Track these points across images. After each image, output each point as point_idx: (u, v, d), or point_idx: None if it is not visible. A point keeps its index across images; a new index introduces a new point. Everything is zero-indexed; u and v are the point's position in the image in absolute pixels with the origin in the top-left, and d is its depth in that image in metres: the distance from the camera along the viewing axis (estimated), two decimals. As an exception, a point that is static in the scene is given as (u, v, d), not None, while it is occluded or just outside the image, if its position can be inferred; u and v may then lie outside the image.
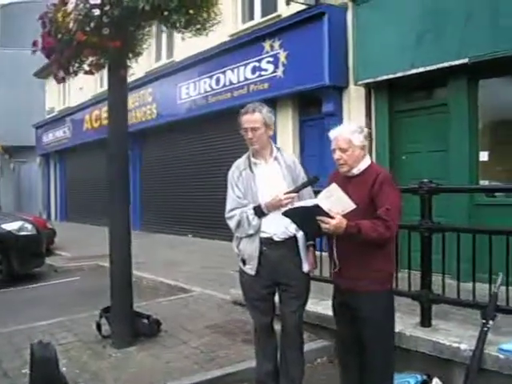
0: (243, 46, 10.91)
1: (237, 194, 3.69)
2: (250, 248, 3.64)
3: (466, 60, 6.90)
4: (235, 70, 11.16)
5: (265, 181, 3.67)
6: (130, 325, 5.04)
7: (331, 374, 4.51)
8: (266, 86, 10.37)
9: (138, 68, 6.17)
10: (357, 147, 3.44)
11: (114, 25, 4.14)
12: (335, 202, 3.21)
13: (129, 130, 5.26)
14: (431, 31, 7.39)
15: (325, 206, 3.16)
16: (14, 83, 24.98)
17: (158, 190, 14.91)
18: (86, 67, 5.03)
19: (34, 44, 4.90)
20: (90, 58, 4.91)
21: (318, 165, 8.56)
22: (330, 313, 4.86)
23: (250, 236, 3.63)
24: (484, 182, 7.27)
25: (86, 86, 17.85)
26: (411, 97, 8.43)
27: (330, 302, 5.00)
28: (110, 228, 5.12)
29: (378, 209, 3.26)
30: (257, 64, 10.56)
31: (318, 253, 3.90)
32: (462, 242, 4.37)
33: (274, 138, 6.80)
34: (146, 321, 5.23)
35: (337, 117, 9.36)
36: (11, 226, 8.97)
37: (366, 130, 3.58)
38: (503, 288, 4.03)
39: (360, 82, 8.58)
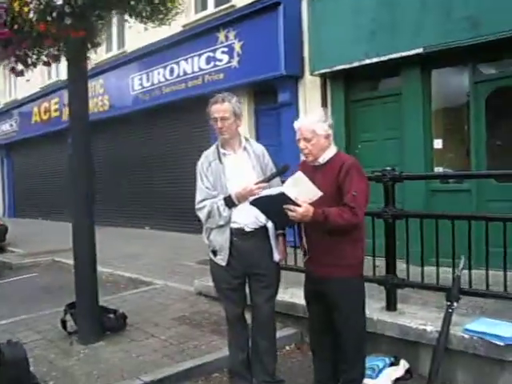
0: (197, 36, 10.83)
1: (206, 184, 3.68)
2: (221, 239, 3.65)
3: (420, 50, 7.07)
4: (189, 61, 11.08)
5: (234, 171, 3.67)
6: (96, 320, 4.98)
7: (300, 361, 4.62)
8: (221, 76, 10.35)
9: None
10: (321, 136, 3.48)
11: (76, 15, 4.04)
12: (302, 191, 3.26)
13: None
14: (385, 22, 7.52)
15: (291, 194, 3.20)
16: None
17: (112, 182, 14.68)
18: (44, 58, 4.90)
19: (-13, 35, 4.73)
20: (49, 49, 4.79)
21: (274, 154, 8.48)
22: (296, 301, 5.00)
23: (221, 227, 3.63)
24: (438, 169, 7.50)
25: (34, 77, 17.31)
26: (366, 86, 8.58)
27: (295, 290, 5.15)
28: (73, 223, 5.02)
29: (344, 196, 3.32)
30: (211, 54, 10.51)
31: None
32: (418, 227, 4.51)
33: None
34: (112, 315, 5.17)
35: (293, 106, 9.46)
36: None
37: (330, 119, 3.60)
38: (465, 271, 4.17)
39: (316, 72, 8.67)
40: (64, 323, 5.11)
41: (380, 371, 4.02)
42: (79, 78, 4.89)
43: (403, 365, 4.15)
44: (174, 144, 12.43)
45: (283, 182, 3.70)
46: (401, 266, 4.68)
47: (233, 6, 10.46)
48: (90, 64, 5.10)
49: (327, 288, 3.48)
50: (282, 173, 3.70)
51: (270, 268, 3.72)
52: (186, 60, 11.16)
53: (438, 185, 7.37)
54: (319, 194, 3.26)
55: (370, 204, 3.55)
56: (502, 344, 3.62)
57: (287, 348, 4.83)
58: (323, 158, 3.51)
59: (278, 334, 4.72)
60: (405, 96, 7.63)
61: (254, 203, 3.38)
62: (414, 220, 4.61)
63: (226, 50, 10.16)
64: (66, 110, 15.60)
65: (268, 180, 3.58)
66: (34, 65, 5.00)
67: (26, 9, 4.09)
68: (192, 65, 11.01)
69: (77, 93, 4.98)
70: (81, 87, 4.98)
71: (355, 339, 3.54)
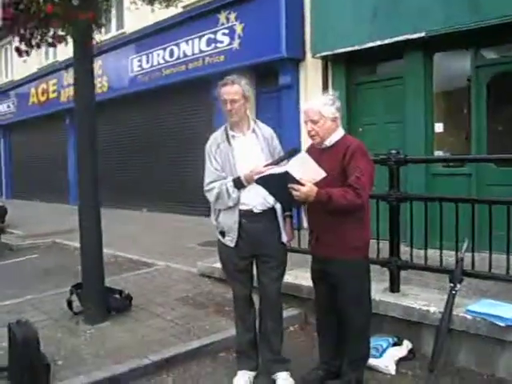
0: (197, 17, 10.79)
1: (215, 166, 3.70)
2: (230, 220, 3.68)
3: (422, 34, 7.08)
4: (190, 42, 11.05)
5: (243, 153, 3.69)
6: (102, 300, 5.03)
7: (304, 341, 4.69)
8: (221, 58, 10.33)
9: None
10: (328, 119, 3.50)
11: (84, -4, 4.03)
12: (306, 171, 3.29)
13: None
14: (388, 5, 7.53)
15: (295, 174, 3.24)
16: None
17: (110, 164, 14.66)
18: (49, 39, 4.88)
19: (-7, 15, 4.71)
20: (53, 30, 4.77)
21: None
22: (300, 282, 5.07)
23: (230, 208, 3.66)
24: (438, 153, 7.55)
25: (31, 58, 17.19)
26: (368, 69, 8.61)
27: (299, 272, 5.22)
28: (79, 204, 5.06)
29: (348, 178, 3.36)
30: (212, 36, 10.48)
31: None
32: (421, 210, 4.57)
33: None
34: (117, 296, 5.24)
35: (293, 89, 9.48)
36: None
37: (337, 102, 3.62)
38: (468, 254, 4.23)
39: (317, 55, 8.67)
40: (70, 303, 5.15)
41: (384, 351, 4.09)
42: (85, 58, 4.90)
43: (406, 345, 4.23)
44: (174, 126, 12.42)
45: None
46: (403, 249, 4.75)
47: (234, -13, 10.41)
48: (96, 45, 5.08)
49: (332, 269, 3.54)
50: (291, 156, 3.72)
51: (277, 249, 3.76)
52: (186, 42, 11.12)
53: (438, 168, 7.42)
54: (323, 174, 3.30)
55: (374, 187, 3.60)
56: (503, 325, 3.70)
57: (291, 328, 4.90)
58: (330, 141, 3.54)
59: (283, 314, 4.82)
60: (407, 80, 7.65)
61: (258, 181, 3.41)
62: (415, 203, 4.66)
63: (226, 31, 10.13)
64: (64, 92, 15.56)
65: (277, 162, 3.60)
66: (38, 45, 4.98)
67: (33, -11, 4.07)
68: (192, 46, 10.98)
69: (82, 74, 4.98)
70: (86, 69, 4.98)
71: (360, 320, 3.60)
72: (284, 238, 3.80)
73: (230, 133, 3.75)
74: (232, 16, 9.97)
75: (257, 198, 3.63)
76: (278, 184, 3.35)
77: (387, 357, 4.07)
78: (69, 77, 14.90)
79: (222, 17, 10.20)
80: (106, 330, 4.80)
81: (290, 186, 3.26)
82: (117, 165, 14.35)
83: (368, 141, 7.90)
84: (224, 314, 5.05)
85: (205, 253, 7.45)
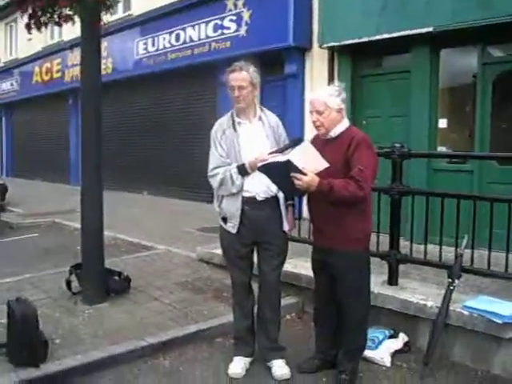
0: (205, 2, 10.76)
1: (220, 152, 3.71)
2: (233, 207, 3.70)
3: (430, 29, 7.05)
4: (196, 27, 11.01)
5: (248, 140, 3.70)
6: (101, 281, 5.06)
7: (301, 330, 4.73)
8: (227, 44, 10.30)
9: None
10: (333, 110, 3.50)
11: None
12: (308, 160, 3.31)
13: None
14: (397, -2, 7.48)
15: (298, 163, 3.26)
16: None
17: (112, 146, 14.65)
18: (56, 18, 4.87)
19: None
20: (60, 10, 4.77)
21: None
22: (299, 271, 5.09)
23: (233, 195, 3.68)
24: (441, 148, 7.55)
25: (36, 37, 17.13)
26: (374, 62, 8.58)
27: (298, 261, 5.24)
28: (82, 185, 5.07)
29: (351, 169, 3.37)
30: (219, 22, 10.44)
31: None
32: (422, 205, 4.59)
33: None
34: (117, 277, 5.26)
35: (299, 78, 9.46)
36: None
37: (343, 93, 3.62)
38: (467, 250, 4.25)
39: (324, 45, 8.63)
40: (69, 283, 5.18)
41: (380, 343, 4.12)
42: (92, 38, 4.90)
43: (402, 338, 4.26)
44: (178, 111, 12.39)
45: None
46: (402, 243, 4.77)
47: (243, -27, 10.35)
48: (103, 26, 5.06)
49: (332, 259, 3.56)
50: (296, 144, 3.71)
51: (279, 237, 3.78)
52: (192, 26, 11.08)
53: (440, 164, 7.43)
54: (326, 164, 3.31)
55: (376, 180, 3.61)
56: (500, 322, 3.72)
57: (288, 317, 4.93)
58: (334, 132, 3.55)
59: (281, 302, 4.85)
60: (412, 74, 7.63)
61: (261, 169, 3.43)
62: (416, 198, 4.68)
63: (234, 18, 10.09)
64: (68, 72, 15.51)
65: (282, 151, 3.61)
66: (46, 24, 4.97)
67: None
68: (199, 32, 10.94)
69: (88, 55, 4.98)
70: (93, 49, 4.98)
71: (359, 311, 3.63)
72: (285, 227, 3.81)
73: (236, 119, 3.75)
74: (240, 2, 9.93)
75: (260, 186, 3.64)
76: (280, 172, 3.36)
77: (383, 349, 4.10)
78: (73, 57, 14.87)
79: (229, 3, 10.15)
80: (104, 310, 4.83)
81: (292, 174, 3.27)
82: (119, 147, 14.31)
83: (372, 133, 7.84)
84: (222, 299, 5.08)
85: (205, 238, 7.47)
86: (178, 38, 11.53)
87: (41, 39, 17.02)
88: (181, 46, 11.45)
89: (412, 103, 7.64)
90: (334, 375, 3.73)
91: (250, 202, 3.67)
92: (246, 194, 3.67)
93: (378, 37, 7.70)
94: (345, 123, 3.59)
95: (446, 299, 3.96)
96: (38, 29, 4.80)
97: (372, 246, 4.54)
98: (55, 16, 4.87)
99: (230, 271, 3.98)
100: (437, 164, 7.42)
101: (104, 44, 13.68)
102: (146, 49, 12.55)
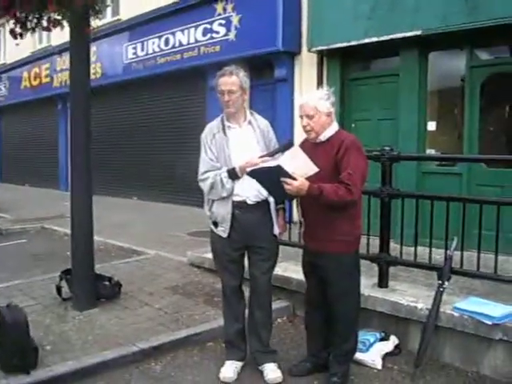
0: (194, 7, 10.74)
1: (210, 156, 3.71)
2: (223, 211, 3.70)
3: (419, 32, 7.09)
4: (185, 32, 10.99)
5: (238, 145, 3.70)
6: (91, 287, 5.03)
7: (292, 333, 4.73)
8: (217, 48, 10.29)
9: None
10: (323, 114, 3.53)
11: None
12: (298, 165, 3.33)
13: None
14: (386, 2, 7.52)
15: (288, 168, 3.27)
16: None
17: (101, 151, 14.59)
18: (44, 23, 4.85)
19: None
20: (49, 14, 4.75)
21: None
22: (289, 274, 5.10)
23: (223, 199, 3.68)
24: (430, 151, 7.58)
25: (24, 42, 17.04)
26: (363, 66, 8.63)
27: (289, 265, 5.25)
28: (71, 190, 5.05)
29: (341, 173, 3.38)
30: (208, 26, 10.43)
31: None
32: (411, 208, 4.62)
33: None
34: (107, 283, 5.24)
35: (288, 83, 9.48)
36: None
37: (332, 97, 3.64)
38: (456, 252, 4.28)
39: (313, 49, 8.64)
40: (59, 289, 5.15)
41: (370, 345, 4.14)
42: (81, 44, 4.89)
43: (393, 340, 4.27)
44: (167, 115, 12.38)
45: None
46: (392, 245, 4.78)
47: (232, -23, 10.36)
48: (92, 30, 5.05)
49: (322, 262, 3.58)
50: (287, 149, 3.72)
51: (269, 241, 3.79)
52: (181, 31, 11.06)
53: (429, 167, 7.47)
54: (315, 169, 3.33)
55: (365, 183, 3.63)
56: (490, 323, 3.75)
57: (279, 320, 4.93)
58: (324, 136, 3.57)
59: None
60: (401, 77, 7.66)
61: (251, 174, 3.43)
62: (406, 200, 4.70)
63: (223, 22, 10.09)
64: (57, 77, 15.44)
65: (272, 154, 3.62)
66: (33, 30, 4.95)
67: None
68: (188, 36, 10.93)
69: (77, 60, 4.97)
70: (82, 55, 4.97)
71: (348, 314, 3.65)
72: (276, 231, 3.82)
73: (226, 123, 3.76)
74: (229, 7, 9.94)
75: (251, 190, 3.64)
76: (270, 177, 3.37)
77: (374, 351, 4.11)
78: (62, 62, 14.82)
79: (218, 7, 10.16)
80: (95, 316, 4.81)
81: (282, 179, 3.28)
82: (109, 152, 14.25)
83: (361, 137, 7.76)
84: (213, 304, 5.08)
85: (195, 243, 7.46)
86: (167, 42, 11.52)
87: (29, 44, 16.95)
88: (170, 51, 11.44)
89: (401, 106, 7.68)
90: (325, 378, 3.74)
91: (240, 206, 3.68)
92: (236, 198, 3.67)
93: (366, 40, 7.73)
94: (334, 127, 3.61)
95: (436, 301, 3.98)
96: (21, 35, 4.76)
97: (362, 249, 4.57)
98: (43, 21, 4.85)
99: (220, 275, 3.98)
100: (426, 167, 7.46)
101: (93, 49, 13.67)
102: (135, 53, 12.53)
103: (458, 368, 3.99)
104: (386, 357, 4.14)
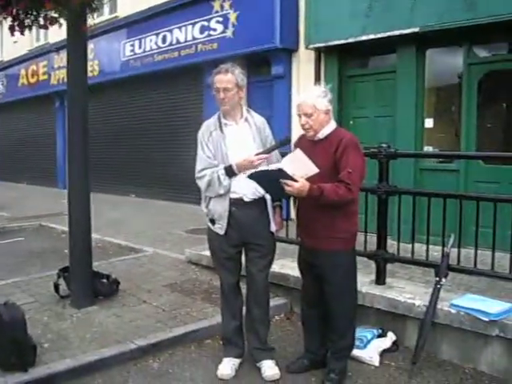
0: (191, 4, 10.72)
1: (207, 154, 3.71)
2: (220, 208, 3.70)
3: (416, 29, 7.09)
4: (183, 29, 10.98)
5: (235, 142, 3.71)
6: (89, 284, 5.03)
7: (289, 330, 4.74)
8: (214, 46, 10.28)
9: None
10: (321, 112, 3.52)
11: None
12: (299, 167, 3.34)
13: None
14: (383, -1, 7.52)
15: (288, 170, 3.28)
16: None
17: (99, 148, 14.57)
18: (41, 21, 4.84)
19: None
20: (46, 12, 4.74)
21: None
22: (286, 271, 5.11)
23: (220, 196, 3.68)
24: (428, 148, 7.60)
25: (22, 39, 17.01)
26: (361, 63, 8.63)
27: (286, 262, 5.26)
28: (68, 188, 5.04)
29: (340, 172, 3.39)
30: (205, 23, 10.42)
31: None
32: (409, 205, 4.62)
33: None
34: (105, 280, 5.23)
35: (286, 80, 9.48)
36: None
37: (329, 94, 3.64)
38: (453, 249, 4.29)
39: (311, 46, 8.65)
40: (57, 287, 5.15)
41: (368, 342, 4.15)
42: (78, 41, 4.87)
43: (390, 337, 4.28)
44: (164, 112, 12.37)
45: (282, 154, 3.76)
46: (389, 242, 4.79)
47: (229, -25, 10.35)
48: (89, 28, 5.04)
49: (319, 260, 3.58)
50: (283, 145, 3.74)
51: (266, 238, 3.79)
52: (179, 28, 11.05)
53: (426, 164, 7.48)
54: (316, 170, 3.34)
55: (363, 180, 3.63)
56: (486, 320, 3.76)
57: (277, 317, 4.94)
58: (322, 133, 3.57)
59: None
60: (399, 74, 7.67)
61: (251, 177, 3.44)
62: (403, 198, 4.71)
63: (220, 19, 10.08)
64: (54, 74, 15.41)
65: (269, 151, 3.63)
66: (30, 27, 4.94)
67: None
68: (185, 33, 10.91)
69: (75, 57, 4.95)
70: (79, 52, 4.95)
71: (346, 311, 3.66)
72: (273, 228, 3.83)
73: (223, 121, 3.76)
74: (226, 4, 9.92)
75: (247, 187, 3.64)
76: (270, 179, 3.39)
77: (371, 348, 4.12)
78: (59, 59, 14.78)
79: (216, 4, 10.14)
80: (93, 314, 4.81)
81: (283, 181, 3.29)
82: (106, 149, 14.26)
83: (358, 134, 7.83)
84: (211, 301, 5.08)
85: (193, 240, 7.47)
86: (164, 39, 11.51)
87: (27, 41, 16.94)
88: (167, 48, 11.42)
89: (398, 103, 7.68)
90: (322, 375, 3.74)
91: (237, 204, 3.68)
92: (233, 196, 3.68)
93: (364, 37, 7.74)
94: (332, 124, 3.61)
95: (434, 298, 3.99)
96: (21, 32, 4.75)
97: (359, 246, 4.59)
98: (40, 19, 4.83)
99: (218, 272, 3.99)
100: (423, 164, 7.47)
101: (90, 46, 13.66)
102: (132, 50, 12.51)
103: (455, 364, 4.00)
104: (383, 353, 4.15)
